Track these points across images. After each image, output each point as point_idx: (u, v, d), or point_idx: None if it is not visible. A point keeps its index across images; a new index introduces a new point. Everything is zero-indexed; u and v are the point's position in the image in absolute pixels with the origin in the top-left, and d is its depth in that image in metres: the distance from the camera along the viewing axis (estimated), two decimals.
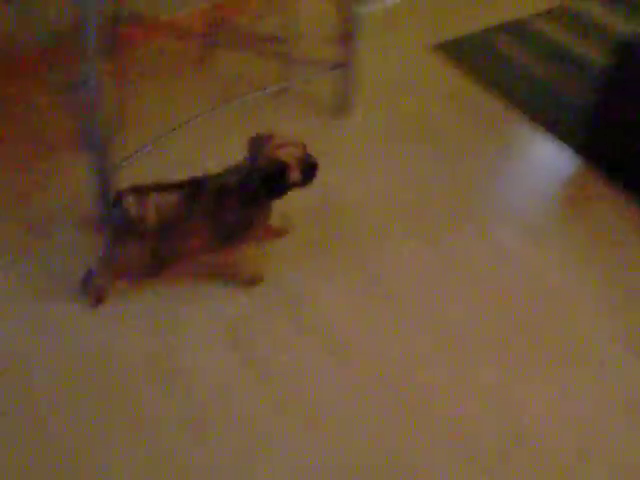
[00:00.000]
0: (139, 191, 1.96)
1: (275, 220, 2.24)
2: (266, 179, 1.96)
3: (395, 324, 2.18)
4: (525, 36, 3.49)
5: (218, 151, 2.59)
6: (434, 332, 2.17)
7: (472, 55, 3.31)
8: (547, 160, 2.86)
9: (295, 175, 1.98)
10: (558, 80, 3.23)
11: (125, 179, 2.11)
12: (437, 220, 2.54)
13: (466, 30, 3.47)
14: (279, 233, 2.35)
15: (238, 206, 2.03)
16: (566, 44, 3.48)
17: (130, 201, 1.93)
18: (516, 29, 3.54)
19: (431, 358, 2.10)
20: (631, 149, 2.63)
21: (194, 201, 2.00)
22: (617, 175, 2.74)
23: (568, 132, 2.94)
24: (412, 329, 2.17)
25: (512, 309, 2.27)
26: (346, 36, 2.66)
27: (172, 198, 1.97)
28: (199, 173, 2.08)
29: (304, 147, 2.01)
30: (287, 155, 1.95)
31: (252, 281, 2.23)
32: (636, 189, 2.69)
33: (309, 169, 2.01)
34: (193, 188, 2.01)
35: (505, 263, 2.42)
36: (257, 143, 2.01)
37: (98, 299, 2.11)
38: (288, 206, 2.23)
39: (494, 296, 2.31)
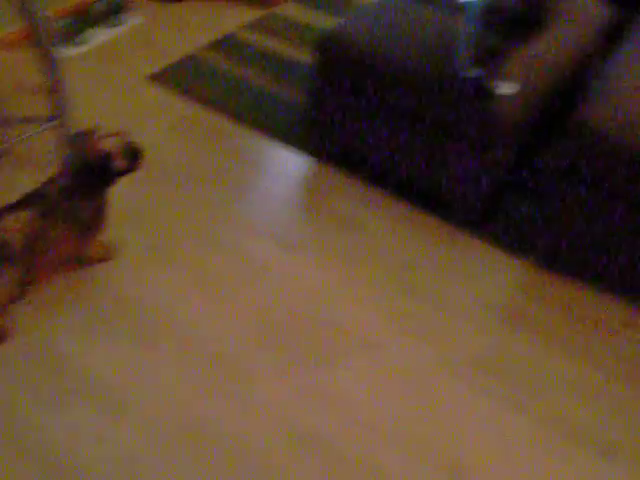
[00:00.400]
0: None
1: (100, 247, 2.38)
2: (94, 169, 2.11)
3: (157, 371, 2.13)
4: (236, 49, 3.55)
5: None
6: (202, 359, 2.15)
7: (189, 78, 3.31)
8: (283, 166, 2.92)
9: (121, 162, 2.14)
10: (275, 86, 3.32)
11: None
12: (187, 245, 2.52)
13: (180, 54, 3.46)
14: (104, 256, 2.43)
15: (84, 201, 2.15)
16: (276, 50, 3.58)
17: None
18: (226, 44, 3.58)
19: (207, 388, 2.08)
20: (346, 138, 2.77)
21: (44, 212, 2.06)
22: (347, 165, 2.85)
23: (294, 135, 3.03)
24: (185, 368, 2.13)
25: (273, 318, 2.31)
26: (52, 85, 2.54)
27: (24, 215, 2.02)
28: None
29: (126, 135, 2.16)
30: (110, 145, 2.11)
31: (104, 258, 2.42)
32: (365, 172, 2.84)
33: (133, 155, 2.17)
34: (36, 200, 2.08)
35: (263, 275, 2.45)
36: (81, 139, 2.14)
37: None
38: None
39: (254, 309, 2.33)
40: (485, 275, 2.55)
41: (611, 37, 3.15)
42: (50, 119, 2.63)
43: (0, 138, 2.75)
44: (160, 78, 3.29)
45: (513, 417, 2.12)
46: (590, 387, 2.23)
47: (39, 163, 2.76)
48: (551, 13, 2.36)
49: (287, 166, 2.91)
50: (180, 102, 3.15)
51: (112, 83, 3.23)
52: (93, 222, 2.24)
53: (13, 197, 2.12)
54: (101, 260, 2.42)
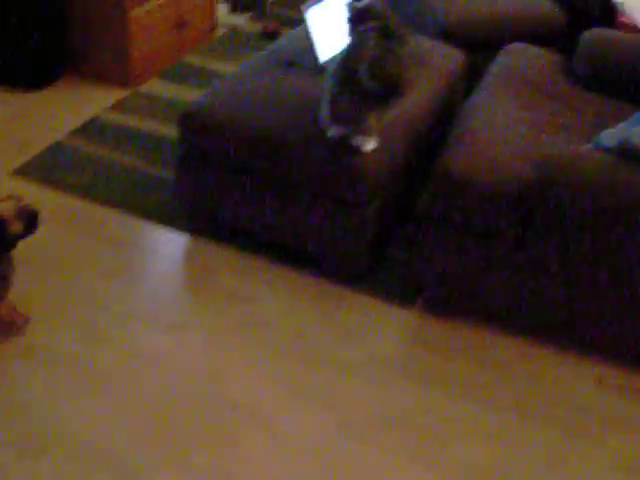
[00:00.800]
0: None
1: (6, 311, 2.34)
2: None
3: None
4: (103, 132, 3.51)
5: None
6: (91, 462, 2.07)
7: (56, 167, 3.25)
8: (162, 247, 2.89)
9: (16, 227, 2.14)
10: (146, 165, 3.30)
11: None
12: (68, 340, 2.44)
13: (45, 144, 3.39)
14: (13, 320, 2.39)
15: None
16: (143, 128, 3.57)
17: None
18: (92, 128, 3.55)
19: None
20: (220, 210, 2.79)
21: None
22: (226, 237, 2.86)
23: (169, 213, 3.01)
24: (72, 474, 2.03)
25: (164, 406, 2.26)
26: None
27: None
28: None
29: (20, 199, 2.17)
30: (3, 210, 2.10)
31: (19, 323, 2.40)
32: (245, 242, 2.84)
33: (29, 218, 2.17)
34: None
35: (152, 363, 2.39)
36: None
37: None
38: None
39: (144, 400, 2.27)
40: (374, 330, 2.57)
41: (469, 82, 3.28)
42: None
43: None
44: (26, 171, 3.22)
45: (423, 472, 2.11)
46: (493, 429, 2.26)
47: None
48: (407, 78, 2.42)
49: (166, 246, 2.88)
50: (50, 193, 3.08)
51: None
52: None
53: None
54: (12, 326, 2.38)
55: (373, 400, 2.32)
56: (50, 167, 3.25)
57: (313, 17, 2.80)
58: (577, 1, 4.10)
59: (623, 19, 3.53)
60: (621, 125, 2.42)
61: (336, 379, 2.38)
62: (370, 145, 2.48)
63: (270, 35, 4.55)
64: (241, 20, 4.70)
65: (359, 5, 2.53)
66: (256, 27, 4.69)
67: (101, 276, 2.71)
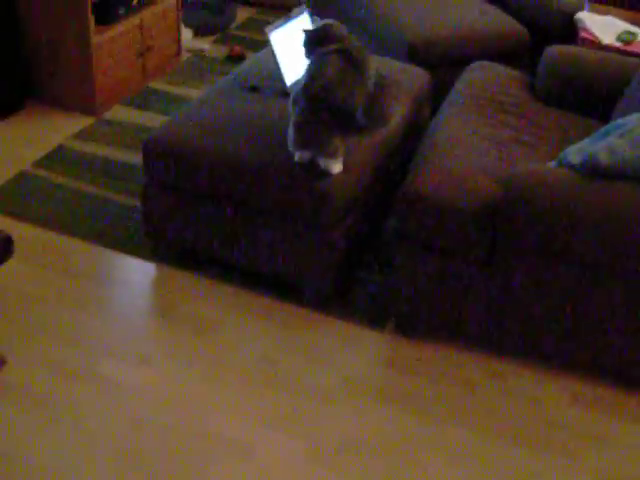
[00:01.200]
0: None
1: None
2: None
3: None
4: (67, 161, 3.49)
5: None
6: None
7: (20, 198, 3.21)
8: (128, 276, 2.87)
9: None
10: (111, 193, 3.28)
11: None
12: (34, 376, 2.39)
13: (7, 175, 3.35)
14: None
15: None
16: (108, 156, 3.55)
17: None
18: (57, 157, 3.52)
19: None
20: (186, 237, 2.78)
21: None
22: (192, 265, 2.85)
23: (134, 241, 3.00)
24: None
25: (133, 442, 2.22)
26: None
27: None
28: None
29: None
30: None
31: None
32: (211, 269, 2.85)
33: (3, 244, 2.11)
34: None
35: (119, 396, 2.36)
36: None
37: None
38: None
39: (112, 437, 2.23)
40: (346, 354, 2.56)
41: (435, 100, 3.29)
42: None
43: None
44: None
45: None
46: (468, 450, 2.26)
47: None
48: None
49: (133, 276, 2.86)
50: (14, 225, 3.05)
51: None
52: None
53: None
54: None
55: (345, 425, 2.30)
56: (14, 198, 3.21)
57: (277, 40, 2.80)
58: (538, 18, 4.14)
59: (584, 35, 3.57)
60: (585, 141, 2.43)
61: (307, 405, 2.36)
62: (337, 167, 2.47)
63: (236, 58, 4.56)
64: (205, 44, 4.69)
65: (314, 27, 2.54)
66: (221, 51, 4.69)
67: (68, 309, 2.68)
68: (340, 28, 2.54)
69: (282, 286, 2.79)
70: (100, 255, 2.93)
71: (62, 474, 2.11)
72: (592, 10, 3.81)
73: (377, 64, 2.60)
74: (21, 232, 3.01)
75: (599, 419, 2.39)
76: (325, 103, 2.38)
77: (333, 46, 2.45)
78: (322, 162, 2.47)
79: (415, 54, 3.62)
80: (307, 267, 2.62)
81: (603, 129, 2.46)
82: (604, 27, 3.59)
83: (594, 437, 2.33)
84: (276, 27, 2.83)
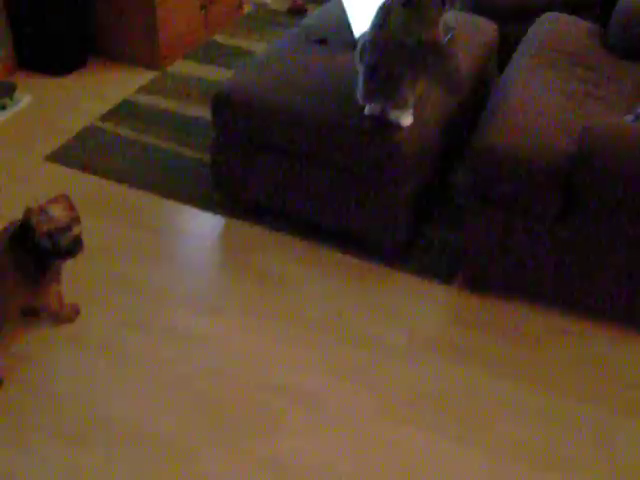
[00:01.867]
0: None
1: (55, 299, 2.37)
2: (15, 236, 2.15)
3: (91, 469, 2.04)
4: (133, 115, 3.52)
5: None
6: (137, 447, 2.08)
7: (89, 152, 3.25)
8: (196, 229, 2.90)
9: (45, 242, 2.13)
10: (179, 147, 3.31)
11: None
12: (104, 325, 2.46)
13: (76, 129, 3.39)
14: (61, 311, 2.42)
15: (26, 257, 2.17)
16: (174, 110, 3.57)
17: None
18: (123, 111, 3.55)
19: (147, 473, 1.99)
20: (255, 191, 2.79)
21: None
22: (261, 218, 2.86)
23: (203, 195, 3.02)
24: (120, 460, 2.05)
25: (205, 390, 2.26)
26: None
27: None
28: None
29: (74, 220, 2.18)
30: (40, 222, 2.11)
31: (71, 316, 2.44)
32: (279, 223, 2.86)
33: (72, 242, 2.18)
34: None
35: (188, 346, 2.40)
36: (30, 215, 2.13)
37: None
38: None
39: (183, 384, 2.28)
40: (413, 308, 2.56)
41: (502, 54, 3.23)
42: None
43: None
44: (59, 156, 3.22)
45: (465, 450, 2.11)
46: (536, 407, 2.25)
47: None
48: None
49: (200, 229, 2.88)
50: (83, 178, 3.09)
51: (9, 167, 3.14)
52: (39, 273, 2.24)
53: None
54: (61, 315, 2.42)
55: (413, 380, 2.31)
56: (83, 152, 3.25)
57: None
58: None
59: None
60: None
61: (377, 359, 2.37)
62: (407, 120, 2.45)
63: (297, 11, 4.53)
64: None
65: None
66: (282, 4, 4.65)
67: (139, 261, 2.72)
68: None
69: (350, 240, 2.79)
70: (169, 208, 2.96)
71: (138, 420, 2.16)
72: None
73: (445, 15, 2.54)
74: (90, 185, 3.06)
75: None
76: (391, 53, 2.34)
77: None
78: (392, 114, 2.44)
79: (481, 5, 3.55)
80: (376, 221, 2.62)
81: None
82: None
83: None
84: None
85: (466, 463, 2.07)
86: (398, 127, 2.45)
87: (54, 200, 2.19)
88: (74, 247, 2.21)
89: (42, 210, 2.14)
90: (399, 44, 2.34)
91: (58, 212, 2.16)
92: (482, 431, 2.17)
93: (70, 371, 2.30)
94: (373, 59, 2.38)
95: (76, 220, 2.20)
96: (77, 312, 2.47)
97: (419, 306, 2.57)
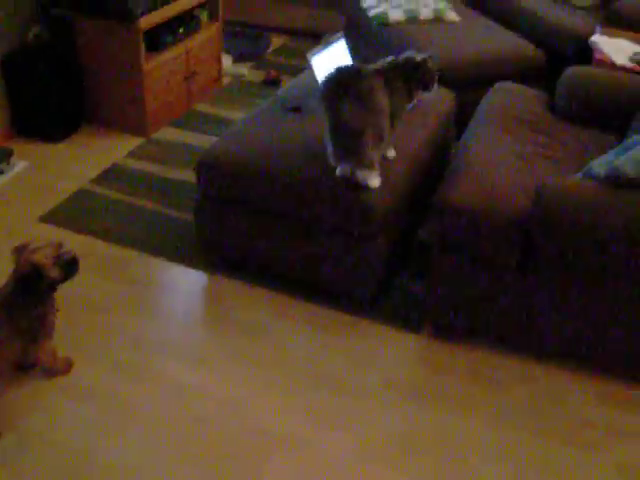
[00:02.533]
0: None
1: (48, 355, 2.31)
2: (26, 280, 2.07)
3: None
4: (122, 178, 3.50)
5: None
6: None
7: (80, 213, 3.23)
8: (182, 284, 2.86)
9: (53, 272, 2.11)
10: (164, 208, 3.29)
11: None
12: (97, 375, 2.39)
13: (69, 192, 3.36)
14: (53, 365, 2.36)
15: (23, 310, 2.12)
16: (160, 173, 3.56)
17: None
18: (112, 175, 3.53)
19: None
20: (236, 248, 2.78)
21: None
22: (243, 274, 2.83)
23: (188, 252, 3.00)
24: None
25: (193, 435, 2.21)
26: None
27: None
28: None
29: (60, 246, 2.14)
30: (41, 256, 2.08)
31: (64, 369, 2.38)
32: (260, 277, 2.81)
33: (68, 264, 2.15)
34: None
35: (177, 395, 2.36)
36: (18, 252, 2.11)
37: None
38: None
39: (173, 430, 2.23)
40: (386, 355, 2.54)
41: (460, 119, 3.27)
42: None
43: None
44: (52, 217, 3.19)
45: None
46: (502, 446, 2.23)
47: None
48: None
49: (185, 284, 2.85)
50: (75, 237, 3.06)
51: (5, 227, 3.11)
52: (34, 329, 2.18)
53: None
54: (55, 369, 2.37)
55: (388, 422, 2.29)
56: (74, 213, 3.22)
57: (318, 63, 2.79)
58: (553, 42, 4.12)
59: (598, 56, 3.53)
60: (608, 155, 2.40)
61: (354, 403, 2.34)
62: (375, 181, 2.44)
63: (271, 82, 4.56)
64: (244, 69, 4.70)
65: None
66: (258, 76, 4.69)
67: (130, 315, 2.68)
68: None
69: (327, 293, 2.77)
70: (156, 265, 2.93)
71: (131, 469, 2.10)
72: (604, 34, 3.77)
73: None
74: (82, 244, 3.02)
75: (627, 416, 2.35)
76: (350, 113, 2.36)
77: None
78: (360, 175, 2.44)
79: (440, 77, 3.59)
80: (350, 275, 2.61)
81: (624, 144, 2.43)
82: (617, 49, 3.55)
83: (622, 433, 2.29)
84: (317, 52, 2.83)
85: None
86: (368, 187, 2.44)
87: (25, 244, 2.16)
88: (76, 266, 2.20)
89: (26, 247, 2.12)
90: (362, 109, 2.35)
91: (39, 243, 2.14)
92: (455, 471, 2.13)
93: (64, 420, 2.24)
94: (337, 122, 2.38)
95: (60, 244, 2.18)
96: (70, 365, 2.42)
97: (391, 353, 2.55)
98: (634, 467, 2.18)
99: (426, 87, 2.58)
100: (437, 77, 2.59)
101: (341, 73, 2.40)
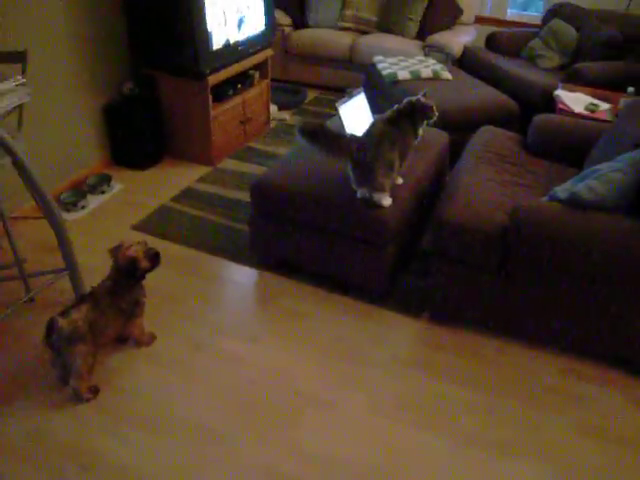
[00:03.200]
0: (63, 312, 2.09)
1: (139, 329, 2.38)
2: (125, 270, 2.16)
3: (163, 450, 1.99)
4: (194, 198, 3.52)
5: None
6: (198, 434, 2.02)
7: (163, 223, 3.25)
8: (239, 278, 2.87)
9: (144, 262, 2.20)
10: (226, 220, 3.29)
11: None
12: (174, 347, 2.41)
13: (153, 207, 3.40)
14: (143, 337, 2.42)
15: (122, 296, 2.20)
16: (222, 194, 3.57)
17: (60, 321, 2.03)
18: (186, 195, 3.55)
19: (205, 456, 1.94)
20: (281, 252, 2.75)
21: (94, 305, 2.13)
22: (286, 271, 2.82)
23: (244, 254, 3.00)
24: (184, 445, 1.99)
25: (248, 394, 2.22)
26: (61, 243, 2.43)
27: (83, 309, 2.09)
28: None
29: (145, 244, 2.23)
30: (134, 251, 2.18)
31: (149, 341, 2.43)
32: (299, 274, 2.79)
33: (153, 257, 2.23)
34: (89, 298, 2.15)
35: (237, 364, 2.36)
36: (115, 250, 2.20)
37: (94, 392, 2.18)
38: None
39: (233, 391, 2.23)
40: (394, 336, 2.53)
41: (453, 154, 3.26)
42: (62, 270, 2.51)
43: (30, 288, 2.60)
44: (141, 226, 3.23)
45: (433, 438, 2.05)
46: (483, 406, 2.21)
47: (57, 304, 2.62)
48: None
49: (241, 278, 2.86)
50: (158, 242, 3.09)
51: (106, 235, 3.14)
52: (131, 309, 2.25)
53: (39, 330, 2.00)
54: (142, 341, 2.41)
55: (396, 387, 2.27)
56: (157, 223, 3.26)
57: (344, 111, 2.80)
58: (525, 95, 4.10)
59: (561, 106, 3.51)
60: (568, 182, 2.38)
61: (367, 372, 2.34)
62: (387, 201, 2.45)
63: None
64: (286, 115, 4.72)
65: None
66: (297, 120, 4.70)
67: (198, 301, 2.69)
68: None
69: (350, 287, 2.76)
70: (219, 264, 2.95)
71: (197, 418, 2.12)
72: (565, 89, 3.75)
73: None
74: (164, 248, 3.04)
75: (583, 386, 2.32)
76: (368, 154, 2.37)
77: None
78: (375, 197, 2.44)
79: (437, 121, 3.59)
80: (367, 273, 2.60)
81: (581, 174, 2.41)
82: (575, 100, 3.52)
83: (579, 398, 2.26)
84: (343, 102, 2.84)
85: (432, 446, 2.03)
86: (382, 206, 2.45)
87: (119, 244, 2.23)
88: (159, 258, 2.26)
89: (120, 246, 2.21)
90: (374, 148, 2.36)
91: (130, 243, 2.22)
92: (444, 423, 2.12)
93: (149, 381, 2.26)
94: (356, 158, 2.39)
95: (145, 242, 2.26)
96: (154, 339, 2.45)
97: (397, 334, 2.54)
98: (591, 427, 2.14)
99: (428, 117, 2.50)
100: (433, 106, 2.50)
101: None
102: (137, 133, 3.71)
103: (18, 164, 2.14)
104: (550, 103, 3.74)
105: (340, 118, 2.82)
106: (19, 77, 1.91)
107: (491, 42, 4.92)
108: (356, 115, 2.91)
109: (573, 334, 2.35)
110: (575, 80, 3.92)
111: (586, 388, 2.30)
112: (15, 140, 2.29)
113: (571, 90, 3.72)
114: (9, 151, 2.09)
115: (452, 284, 2.44)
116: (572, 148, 2.93)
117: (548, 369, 2.38)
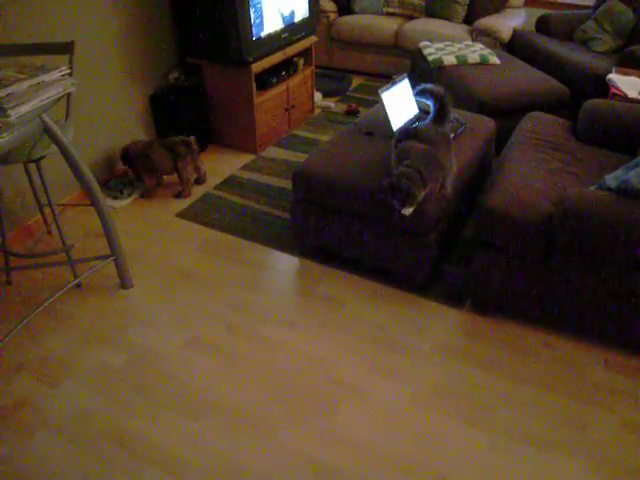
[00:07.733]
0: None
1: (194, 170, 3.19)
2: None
3: (203, 434, 2.01)
4: (237, 186, 3.54)
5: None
6: (237, 419, 2.03)
7: (206, 211, 3.29)
8: (280, 266, 2.87)
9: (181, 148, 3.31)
10: (269, 208, 3.30)
11: None
12: (216, 333, 2.43)
13: (197, 195, 3.43)
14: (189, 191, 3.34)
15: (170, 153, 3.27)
16: (266, 182, 3.58)
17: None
18: (230, 183, 3.57)
19: (242, 439, 1.95)
20: (322, 239, 2.72)
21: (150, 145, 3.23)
22: (325, 259, 2.81)
23: (285, 242, 3.01)
24: (224, 429, 2.02)
25: (287, 381, 2.22)
26: (107, 230, 2.49)
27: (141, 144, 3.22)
28: None
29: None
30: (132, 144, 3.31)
31: (189, 193, 3.32)
32: (339, 262, 2.77)
33: (188, 144, 3.36)
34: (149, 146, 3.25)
35: (276, 350, 2.37)
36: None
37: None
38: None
39: (272, 376, 2.24)
40: (435, 325, 2.49)
41: (499, 141, 3.17)
42: (108, 256, 2.57)
43: (78, 273, 2.67)
44: (185, 214, 3.26)
45: (474, 431, 2.02)
46: (525, 399, 2.15)
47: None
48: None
49: (282, 265, 2.86)
50: (202, 229, 3.12)
51: (150, 222, 3.19)
52: (183, 153, 3.20)
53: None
54: (187, 187, 3.32)
55: (434, 377, 2.24)
56: (202, 211, 3.28)
57: (387, 98, 2.75)
58: (575, 80, 3.95)
59: (614, 90, 3.36)
60: (618, 170, 2.28)
61: (409, 361, 2.30)
62: (408, 210, 2.31)
63: (352, 113, 4.53)
64: (331, 103, 4.69)
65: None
66: (341, 107, 4.67)
67: (238, 288, 2.70)
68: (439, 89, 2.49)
69: (391, 275, 2.74)
70: (260, 251, 2.95)
71: (237, 403, 2.13)
72: (619, 72, 3.59)
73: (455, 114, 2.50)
74: (207, 234, 3.08)
75: (627, 380, 2.23)
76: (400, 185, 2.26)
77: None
78: (405, 210, 2.30)
79: (484, 107, 3.51)
80: (409, 261, 2.57)
81: (633, 162, 2.30)
82: (630, 84, 3.37)
83: (624, 393, 2.18)
84: (386, 89, 2.79)
85: (471, 438, 1.99)
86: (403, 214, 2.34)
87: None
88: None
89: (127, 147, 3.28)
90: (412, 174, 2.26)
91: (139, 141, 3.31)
92: (484, 415, 2.08)
93: (190, 366, 2.29)
94: (393, 184, 2.26)
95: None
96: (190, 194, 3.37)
97: (439, 323, 2.50)
98: (637, 423, 2.06)
99: (445, 114, 2.53)
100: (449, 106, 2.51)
101: (407, 131, 2.42)
102: (182, 122, 3.74)
103: (64, 152, 2.18)
104: (603, 88, 3.60)
105: (383, 105, 2.77)
106: (64, 68, 1.94)
107: (542, 25, 4.76)
108: (399, 102, 2.86)
109: (619, 326, 2.26)
110: (630, 63, 3.75)
111: (632, 383, 2.21)
112: (63, 129, 2.34)
113: (625, 74, 3.56)
114: (56, 140, 2.13)
115: (495, 273, 2.38)
116: (624, 135, 2.81)
117: (592, 364, 2.30)
